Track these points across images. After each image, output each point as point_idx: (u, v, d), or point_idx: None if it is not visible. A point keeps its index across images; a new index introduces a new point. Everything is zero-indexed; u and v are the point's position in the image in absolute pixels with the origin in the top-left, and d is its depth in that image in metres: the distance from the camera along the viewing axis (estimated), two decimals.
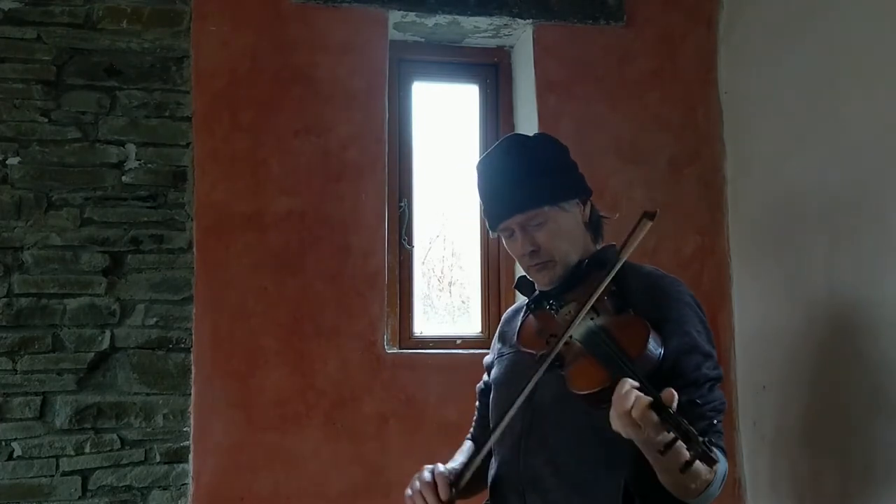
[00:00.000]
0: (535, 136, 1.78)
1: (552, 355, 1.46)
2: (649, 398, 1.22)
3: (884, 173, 2.02)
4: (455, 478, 1.57)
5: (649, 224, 1.47)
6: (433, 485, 1.55)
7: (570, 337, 1.48)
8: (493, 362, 1.81)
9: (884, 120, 2.02)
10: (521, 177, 1.62)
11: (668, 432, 1.19)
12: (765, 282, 2.52)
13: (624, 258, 1.49)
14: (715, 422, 1.47)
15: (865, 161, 2.09)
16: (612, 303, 1.51)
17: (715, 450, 1.19)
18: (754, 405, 2.56)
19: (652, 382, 1.30)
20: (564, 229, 1.63)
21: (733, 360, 2.67)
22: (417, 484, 1.57)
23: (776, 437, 2.45)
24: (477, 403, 1.88)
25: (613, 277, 1.53)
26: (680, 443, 1.18)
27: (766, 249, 2.52)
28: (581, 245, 1.66)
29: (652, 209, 1.49)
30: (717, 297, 2.69)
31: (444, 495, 1.53)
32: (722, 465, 1.42)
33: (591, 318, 1.49)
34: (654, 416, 1.20)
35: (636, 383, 1.27)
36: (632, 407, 1.22)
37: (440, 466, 1.59)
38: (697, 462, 1.17)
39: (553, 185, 1.63)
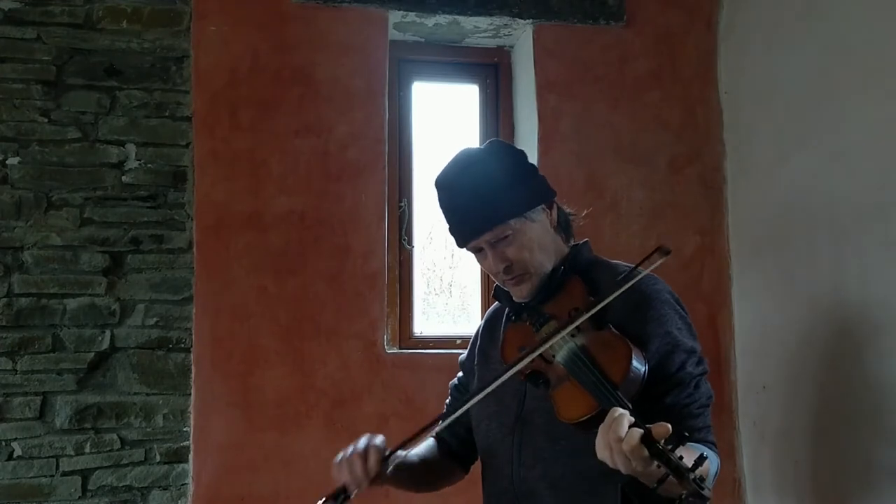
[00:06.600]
0: (487, 146, 1.67)
1: (517, 367, 1.44)
2: (641, 431, 1.17)
3: (884, 173, 2.02)
4: (389, 453, 1.52)
5: (659, 261, 1.44)
6: (363, 455, 1.49)
7: (553, 357, 1.45)
8: (471, 367, 1.76)
9: (884, 120, 2.02)
10: (481, 193, 1.55)
11: (659, 468, 1.16)
12: (765, 282, 2.52)
13: (623, 288, 1.44)
14: (704, 416, 1.46)
15: (865, 161, 2.09)
16: (592, 317, 1.46)
17: (707, 486, 1.14)
18: (754, 405, 2.56)
19: (638, 399, 1.28)
20: (534, 239, 1.58)
21: (733, 360, 2.67)
22: (350, 450, 1.51)
23: (776, 436, 2.45)
24: (447, 400, 1.83)
25: (590, 286, 1.52)
26: (672, 479, 1.14)
27: (767, 249, 2.52)
28: (553, 250, 1.62)
29: (667, 246, 1.46)
30: (717, 297, 2.69)
31: (372, 468, 1.48)
32: (714, 461, 1.42)
33: (572, 336, 1.44)
34: (645, 451, 1.16)
35: (626, 415, 1.22)
36: (622, 440, 1.18)
37: (378, 438, 1.53)
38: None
39: (514, 196, 1.56)
